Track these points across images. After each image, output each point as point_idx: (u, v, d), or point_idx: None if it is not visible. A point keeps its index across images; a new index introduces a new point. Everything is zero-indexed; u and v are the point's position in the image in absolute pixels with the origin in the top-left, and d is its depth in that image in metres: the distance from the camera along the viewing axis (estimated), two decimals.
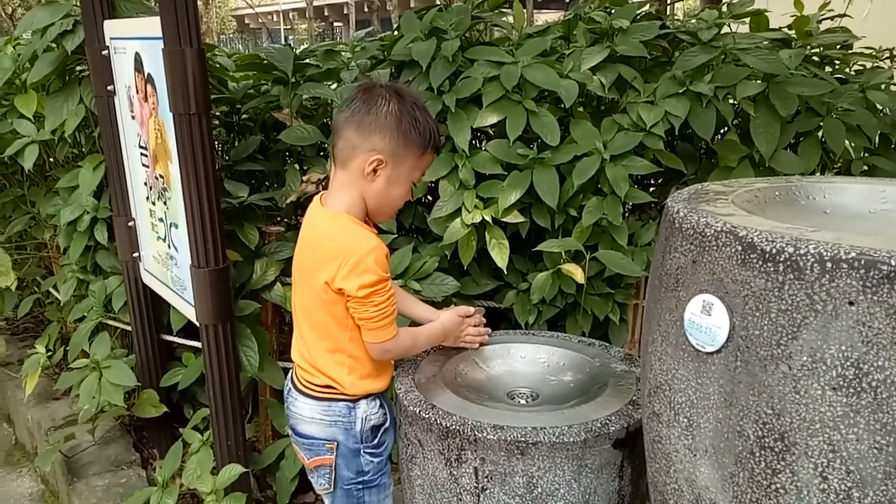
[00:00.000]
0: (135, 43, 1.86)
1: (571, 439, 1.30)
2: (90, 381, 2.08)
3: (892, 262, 0.78)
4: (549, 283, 1.92)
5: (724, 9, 2.15)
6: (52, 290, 2.79)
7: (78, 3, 2.04)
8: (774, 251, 0.86)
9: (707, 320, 0.95)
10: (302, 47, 2.48)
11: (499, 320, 2.08)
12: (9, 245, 2.88)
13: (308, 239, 1.41)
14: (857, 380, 0.82)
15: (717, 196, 1.12)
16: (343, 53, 2.44)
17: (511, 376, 1.64)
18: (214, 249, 1.75)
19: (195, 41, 1.62)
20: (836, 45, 2.21)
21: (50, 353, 2.43)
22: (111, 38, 1.99)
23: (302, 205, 2.03)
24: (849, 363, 0.82)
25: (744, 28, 2.24)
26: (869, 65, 2.26)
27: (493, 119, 1.91)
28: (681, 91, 1.91)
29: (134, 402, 2.24)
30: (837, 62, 2.25)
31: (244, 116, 2.35)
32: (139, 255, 2.17)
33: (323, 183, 1.99)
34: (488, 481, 1.34)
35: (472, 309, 1.64)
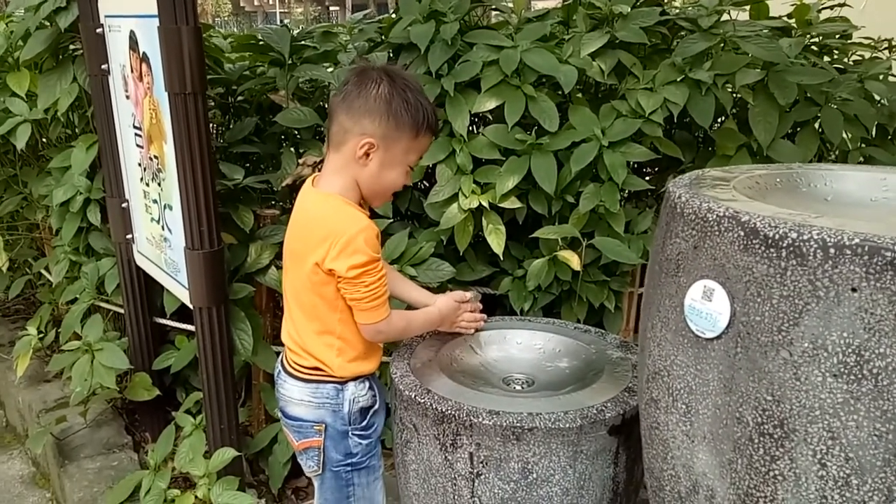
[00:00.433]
0: (130, 21, 1.83)
1: (567, 425, 1.30)
2: (82, 363, 2.06)
3: None
4: (546, 270, 1.91)
5: None
6: (43, 271, 2.77)
7: None
8: (777, 237, 0.86)
9: (708, 306, 0.94)
10: (298, 30, 2.45)
11: (494, 307, 2.07)
12: (0, 226, 2.85)
13: (299, 220, 1.41)
14: (858, 367, 0.82)
15: (719, 182, 1.11)
16: (340, 36, 2.41)
17: (507, 362, 1.63)
18: (209, 232, 1.73)
19: (191, 19, 1.60)
20: (835, 35, 2.20)
21: (41, 335, 2.41)
22: (106, 16, 1.96)
23: (297, 188, 2.00)
24: (850, 350, 0.82)
25: (744, 16, 2.23)
26: (868, 55, 2.25)
27: (491, 104, 1.89)
28: (680, 78, 1.89)
29: (126, 385, 2.23)
30: (836, 52, 2.24)
31: (240, 98, 2.32)
32: (132, 237, 2.15)
33: (319, 166, 1.97)
34: (483, 467, 1.34)
35: (468, 294, 1.63)
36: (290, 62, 2.11)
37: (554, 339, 1.67)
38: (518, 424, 1.29)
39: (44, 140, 2.58)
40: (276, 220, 2.04)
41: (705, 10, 2.02)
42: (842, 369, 0.83)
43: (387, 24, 2.25)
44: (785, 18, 2.19)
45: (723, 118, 2.04)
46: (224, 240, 1.86)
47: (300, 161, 2.04)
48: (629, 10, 2.00)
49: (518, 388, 1.56)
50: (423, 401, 1.37)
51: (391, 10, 2.56)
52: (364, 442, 1.46)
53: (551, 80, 1.96)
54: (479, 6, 2.22)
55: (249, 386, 2.19)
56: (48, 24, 2.12)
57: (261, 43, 2.26)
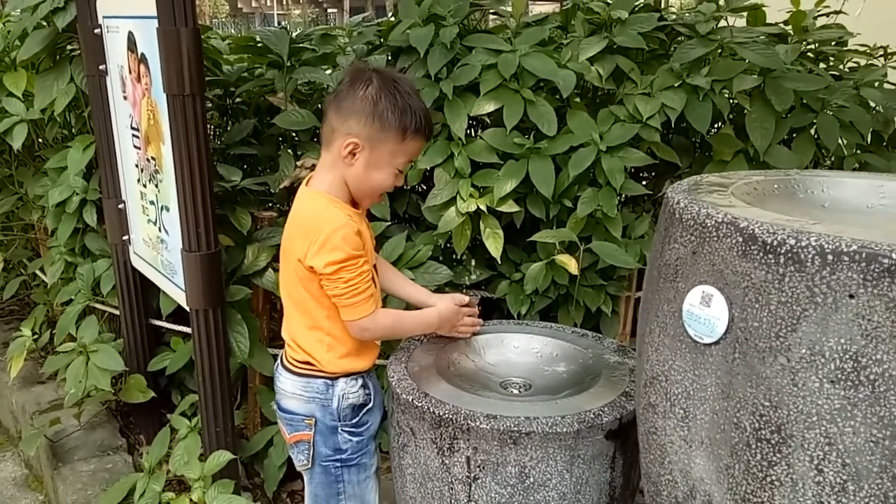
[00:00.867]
0: (128, 22, 1.82)
1: (564, 429, 1.30)
2: (77, 364, 2.05)
3: (893, 256, 0.78)
4: (543, 274, 1.91)
5: (722, 2, 2.15)
6: (38, 272, 2.76)
7: None
8: (776, 243, 0.86)
9: (706, 311, 0.94)
10: (296, 32, 2.46)
11: (491, 310, 2.07)
12: None
13: (290, 218, 1.44)
14: (856, 373, 0.82)
15: (717, 188, 1.12)
16: (339, 38, 2.41)
17: (504, 366, 1.63)
18: (206, 233, 1.73)
19: (190, 21, 1.60)
20: (831, 42, 2.21)
21: (36, 336, 2.39)
22: (104, 17, 1.96)
23: (295, 190, 2.00)
24: (847, 356, 0.82)
25: (741, 22, 2.24)
26: (863, 62, 2.27)
27: (490, 107, 1.90)
28: (677, 84, 1.90)
29: (121, 386, 2.21)
30: (832, 59, 2.25)
31: (238, 100, 2.32)
32: (129, 238, 2.14)
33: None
34: (480, 470, 1.33)
35: (466, 297, 1.63)
36: (288, 64, 2.11)
37: (551, 344, 1.67)
38: (515, 428, 1.29)
39: (40, 140, 2.57)
40: (273, 222, 2.04)
41: (703, 17, 2.03)
42: (839, 375, 0.83)
43: (386, 28, 2.25)
44: (781, 25, 2.21)
45: (720, 124, 2.05)
46: (221, 242, 1.85)
47: (298, 163, 2.04)
48: (627, 15, 2.01)
49: (515, 392, 1.56)
50: (420, 404, 1.37)
51: (389, 13, 2.56)
52: (354, 439, 1.46)
53: (550, 85, 1.97)
54: (478, 10, 2.23)
55: (245, 388, 2.18)
56: (46, 24, 2.12)
57: (259, 45, 2.26)
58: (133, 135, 1.97)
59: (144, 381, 2.16)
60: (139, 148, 1.95)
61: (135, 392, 2.14)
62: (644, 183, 2.15)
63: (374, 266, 1.47)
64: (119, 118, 2.05)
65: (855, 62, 2.28)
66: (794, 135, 2.00)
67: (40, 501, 2.34)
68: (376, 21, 2.51)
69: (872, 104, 2.03)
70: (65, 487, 2.13)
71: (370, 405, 1.48)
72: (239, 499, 1.77)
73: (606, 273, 1.99)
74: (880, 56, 2.30)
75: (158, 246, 1.96)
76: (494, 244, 1.90)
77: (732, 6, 2.13)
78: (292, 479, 2.05)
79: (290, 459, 1.92)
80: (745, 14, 2.22)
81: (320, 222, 1.32)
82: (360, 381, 1.46)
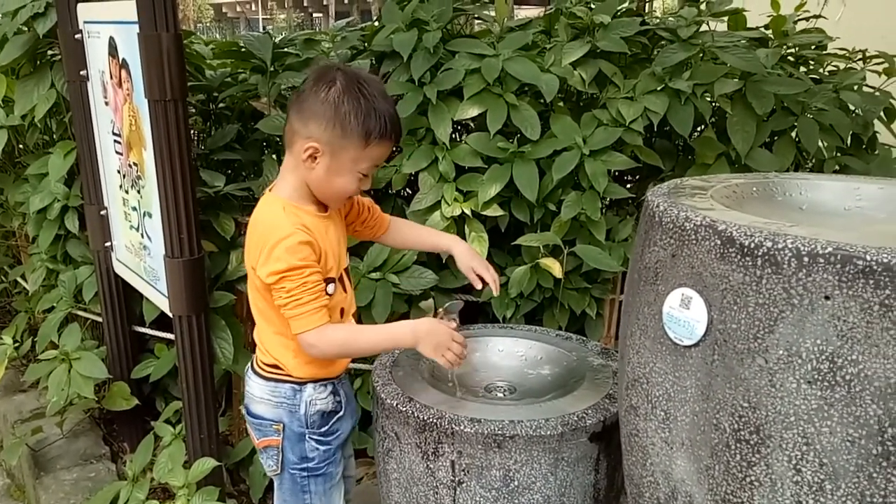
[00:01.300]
0: (109, 27, 1.82)
1: (548, 433, 1.30)
2: (59, 372, 2.03)
3: (868, 258, 0.79)
4: (528, 278, 1.92)
5: (703, 7, 2.16)
6: (20, 279, 2.73)
7: None
8: (753, 245, 0.87)
9: (685, 314, 0.95)
10: (280, 36, 2.45)
11: (476, 314, 2.08)
12: None
13: (248, 225, 1.39)
14: (832, 373, 0.83)
15: (697, 191, 1.13)
16: (323, 43, 2.41)
17: (489, 370, 1.64)
18: (189, 239, 1.72)
19: (172, 26, 1.59)
20: (811, 46, 2.24)
21: (17, 344, 2.36)
22: (85, 22, 1.94)
23: None
24: (824, 357, 0.83)
25: (722, 26, 2.26)
26: (843, 66, 2.29)
27: (473, 112, 1.90)
28: (660, 88, 1.92)
29: (104, 394, 2.20)
30: (812, 62, 2.28)
31: (221, 105, 2.31)
32: (111, 245, 2.12)
33: None
34: (465, 474, 1.34)
35: (450, 324, 1.41)
36: (272, 69, 2.10)
37: (536, 347, 1.68)
38: (499, 432, 1.29)
39: (21, 146, 2.55)
40: None
41: (685, 21, 2.04)
42: (816, 376, 0.84)
43: (370, 32, 2.25)
44: (762, 29, 2.23)
45: (702, 127, 2.06)
46: (204, 248, 1.85)
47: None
48: (610, 20, 2.03)
49: (500, 395, 1.56)
50: (404, 409, 1.37)
51: (374, 18, 2.57)
52: (322, 448, 1.43)
53: (533, 89, 1.98)
54: (462, 15, 2.24)
55: (230, 395, 2.17)
56: (26, 29, 2.10)
57: (243, 50, 2.25)
58: (115, 140, 1.96)
59: (128, 389, 2.14)
60: (121, 154, 1.94)
61: (118, 399, 2.12)
62: (627, 186, 2.16)
63: (346, 271, 1.43)
64: (101, 124, 2.03)
65: (834, 66, 2.30)
66: (775, 138, 2.02)
67: None
68: (360, 26, 2.51)
69: (852, 107, 2.05)
70: (47, 496, 2.10)
71: (341, 413, 1.45)
72: None
73: (591, 276, 2.00)
74: (859, 60, 2.33)
75: (141, 252, 1.94)
76: (479, 248, 1.91)
77: (714, 11, 2.15)
78: None
79: None
80: (726, 19, 2.24)
81: (268, 231, 1.28)
82: (329, 388, 1.42)
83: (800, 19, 2.30)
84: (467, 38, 2.09)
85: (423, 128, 1.96)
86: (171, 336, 2.03)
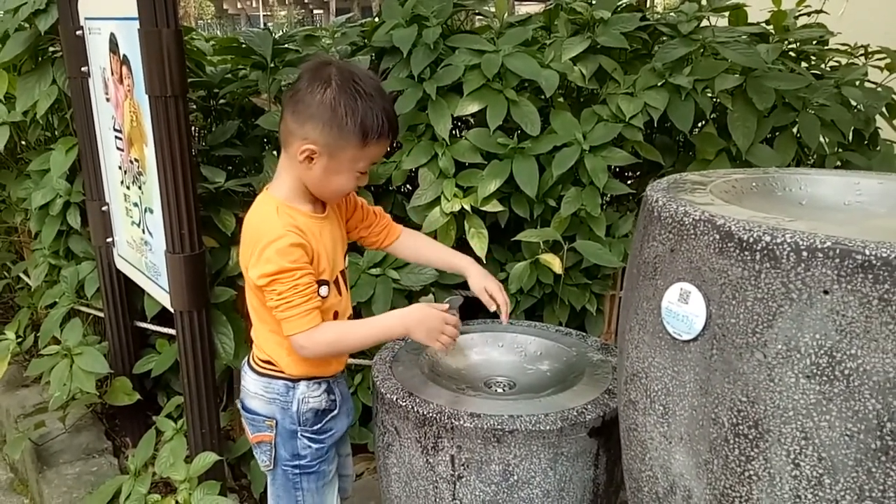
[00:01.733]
0: (110, 23, 1.82)
1: (548, 427, 1.30)
2: (61, 367, 2.04)
3: (867, 252, 0.80)
4: (528, 273, 1.92)
5: (704, 2, 2.16)
6: (22, 275, 2.74)
7: None
8: (752, 240, 0.87)
9: (684, 308, 0.95)
10: (281, 32, 2.45)
11: (476, 309, 2.08)
12: None
13: (243, 224, 1.38)
14: (831, 368, 0.83)
15: (696, 186, 1.13)
16: (323, 39, 2.41)
17: (488, 365, 1.64)
18: (190, 235, 1.72)
19: (172, 22, 1.59)
20: (812, 41, 2.23)
21: (20, 340, 2.38)
22: (85, 18, 1.94)
23: None
24: (822, 351, 0.83)
25: (723, 22, 2.26)
26: (844, 61, 2.29)
27: (473, 108, 1.90)
28: (660, 83, 1.92)
29: (106, 389, 2.20)
30: (813, 58, 2.27)
31: (222, 101, 2.31)
32: (113, 241, 2.13)
33: None
34: (465, 469, 1.34)
35: (442, 305, 1.43)
36: (272, 65, 2.10)
37: (535, 342, 1.68)
38: (499, 427, 1.30)
39: (23, 143, 2.56)
40: None
41: (685, 16, 2.04)
42: (814, 370, 0.84)
43: (369, 28, 2.25)
44: (763, 25, 2.22)
45: (702, 123, 2.06)
46: (205, 243, 1.85)
47: None
48: (610, 15, 2.02)
49: (499, 390, 1.57)
50: (404, 404, 1.37)
51: (374, 14, 2.57)
52: (314, 446, 1.42)
53: (533, 85, 1.98)
54: (462, 10, 2.23)
55: (231, 390, 2.17)
56: (27, 26, 2.10)
57: (243, 46, 2.25)
58: (116, 136, 1.97)
59: (130, 384, 2.15)
60: (122, 150, 1.94)
61: (120, 394, 2.13)
62: (628, 182, 2.16)
63: (343, 273, 1.42)
64: (102, 120, 2.04)
65: (836, 61, 2.30)
66: (776, 134, 2.01)
67: None
68: (360, 22, 2.51)
69: (853, 103, 2.04)
70: (50, 491, 2.11)
71: (335, 412, 1.44)
72: (225, 500, 1.77)
73: (591, 272, 2.00)
74: (861, 55, 2.32)
75: (142, 248, 1.95)
76: (479, 244, 1.91)
77: (714, 6, 2.14)
78: None
79: None
80: (726, 14, 2.24)
81: (260, 232, 1.27)
82: (323, 387, 1.42)
83: (801, 14, 2.30)
84: (467, 34, 2.09)
85: (423, 124, 1.96)
86: (172, 331, 2.04)
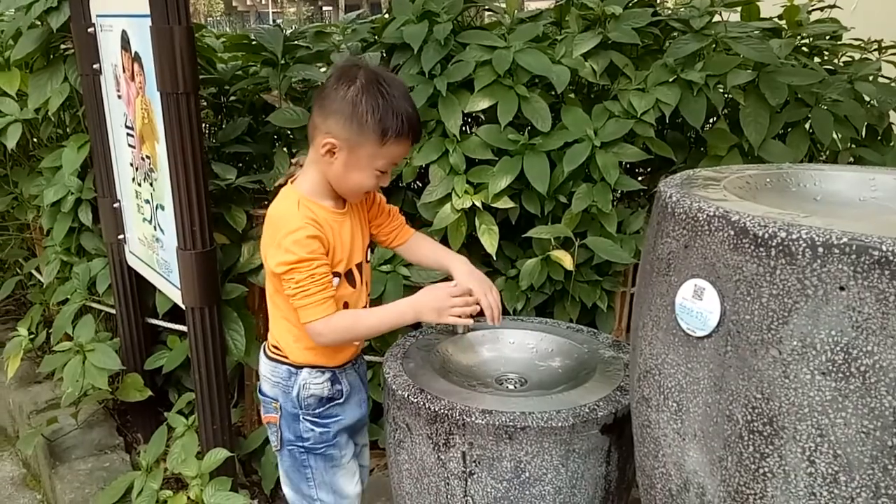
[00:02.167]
0: (122, 20, 1.82)
1: (559, 424, 1.30)
2: (74, 364, 2.05)
3: (883, 248, 0.79)
4: (538, 270, 1.92)
5: None
6: (34, 272, 2.75)
7: None
8: (767, 236, 0.86)
9: (698, 305, 0.95)
10: (291, 29, 2.45)
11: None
12: None
13: (266, 214, 1.45)
14: (846, 364, 0.82)
15: (710, 182, 1.12)
16: (333, 36, 2.41)
17: (500, 362, 1.64)
18: (201, 232, 1.73)
19: (184, 19, 1.60)
20: (825, 36, 2.21)
21: (32, 336, 2.40)
22: (97, 16, 1.95)
23: None
24: (838, 348, 0.83)
25: (735, 17, 2.24)
26: (857, 56, 2.27)
27: (484, 104, 1.90)
28: (672, 79, 1.90)
29: (118, 385, 2.22)
30: (826, 53, 2.26)
31: (232, 98, 2.32)
32: (124, 237, 2.14)
33: None
34: (476, 466, 1.34)
35: (450, 283, 1.46)
36: (282, 62, 2.10)
37: (546, 339, 1.67)
38: (510, 424, 1.29)
39: (35, 140, 2.57)
40: None
41: (697, 12, 2.03)
42: (830, 367, 0.83)
43: (380, 25, 2.25)
44: (775, 19, 2.21)
45: (714, 119, 2.05)
46: (216, 240, 1.86)
47: (293, 161, 2.04)
48: (621, 10, 2.01)
49: (511, 387, 1.56)
50: (415, 400, 1.37)
51: (384, 11, 2.56)
52: (318, 430, 1.47)
53: (544, 81, 1.97)
54: (472, 6, 2.23)
55: (242, 386, 2.18)
56: (39, 23, 2.11)
57: (253, 43, 2.25)
58: (128, 133, 1.97)
59: (141, 380, 2.16)
60: (134, 147, 1.95)
61: (132, 391, 2.15)
62: (639, 178, 2.15)
63: (359, 266, 1.45)
64: (113, 117, 2.05)
65: (849, 56, 2.28)
66: (789, 129, 2.00)
67: (38, 500, 2.34)
68: (371, 18, 2.51)
69: (867, 98, 2.03)
70: (62, 486, 2.13)
71: (340, 400, 1.48)
72: (236, 496, 1.77)
73: (602, 269, 1.99)
74: (875, 50, 2.30)
75: (154, 244, 1.96)
76: (489, 240, 1.90)
77: (726, 1, 2.13)
78: None
79: None
80: (739, 9, 2.22)
81: (281, 223, 1.34)
82: (326, 375, 1.45)
83: (814, 9, 2.28)
84: (478, 30, 2.08)
85: (434, 120, 1.96)
86: (183, 328, 2.05)
